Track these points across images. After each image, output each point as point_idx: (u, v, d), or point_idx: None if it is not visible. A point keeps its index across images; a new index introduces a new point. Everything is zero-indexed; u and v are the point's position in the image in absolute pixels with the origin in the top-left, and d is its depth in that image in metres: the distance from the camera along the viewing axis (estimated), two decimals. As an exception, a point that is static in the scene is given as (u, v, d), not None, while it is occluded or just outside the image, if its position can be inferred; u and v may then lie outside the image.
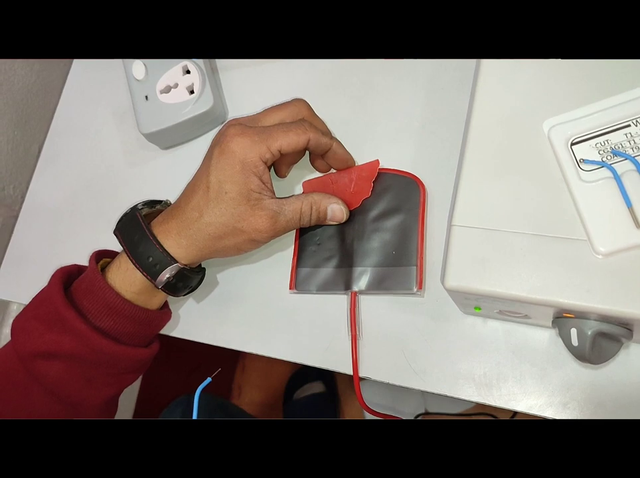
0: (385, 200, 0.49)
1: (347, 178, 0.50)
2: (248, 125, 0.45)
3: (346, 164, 0.49)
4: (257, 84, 0.56)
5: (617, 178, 0.35)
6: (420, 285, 0.45)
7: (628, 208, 0.34)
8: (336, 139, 0.47)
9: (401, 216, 0.48)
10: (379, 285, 0.47)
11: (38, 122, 0.66)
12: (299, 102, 0.47)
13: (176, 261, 0.44)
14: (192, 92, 0.54)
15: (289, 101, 0.47)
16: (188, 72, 0.54)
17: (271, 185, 0.45)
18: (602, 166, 0.35)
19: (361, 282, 0.47)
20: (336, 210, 0.47)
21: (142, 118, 0.54)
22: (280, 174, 0.50)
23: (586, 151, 0.36)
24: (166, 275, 0.44)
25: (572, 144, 0.36)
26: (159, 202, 0.50)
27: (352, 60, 0.54)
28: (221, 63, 0.58)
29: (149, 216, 0.48)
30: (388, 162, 0.49)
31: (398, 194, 0.48)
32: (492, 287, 0.36)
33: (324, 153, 0.47)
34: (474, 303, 0.40)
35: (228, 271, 0.52)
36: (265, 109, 0.47)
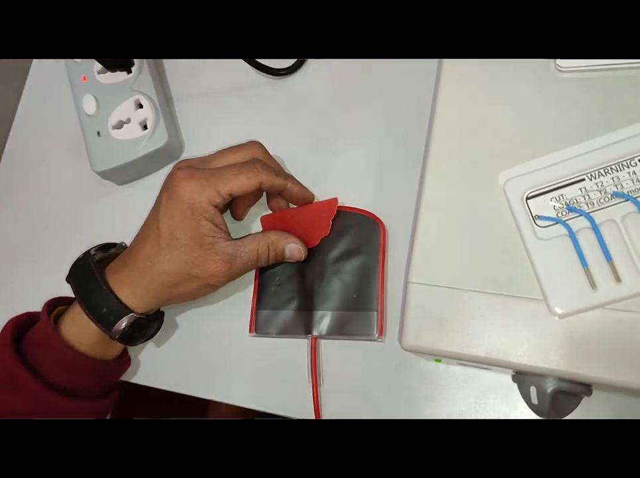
0: (345, 240, 0.48)
1: (306, 215, 0.48)
2: (198, 167, 0.44)
3: (304, 201, 0.48)
4: (215, 116, 0.55)
5: (573, 236, 0.34)
6: (381, 332, 0.45)
7: (584, 268, 0.34)
8: (292, 178, 0.46)
9: (362, 257, 0.47)
10: (340, 330, 0.46)
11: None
12: (253, 144, 0.46)
13: (132, 311, 0.43)
14: (145, 127, 0.52)
15: (243, 144, 0.46)
16: (141, 106, 0.52)
17: (226, 227, 0.44)
18: (557, 223, 0.34)
19: (322, 326, 0.46)
20: (294, 250, 0.46)
21: (94, 155, 0.52)
22: (236, 216, 0.49)
23: (542, 206, 0.35)
24: (122, 325, 0.43)
25: (527, 198, 0.35)
26: (113, 245, 0.48)
27: (311, 94, 0.52)
28: (176, 92, 0.56)
29: (103, 261, 0.46)
30: (348, 200, 0.48)
31: (358, 234, 0.47)
32: (450, 347, 0.35)
33: (279, 192, 0.46)
34: (433, 357, 0.39)
35: (188, 313, 0.50)
36: (218, 151, 0.45)
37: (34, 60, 0.62)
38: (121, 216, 0.55)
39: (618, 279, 0.33)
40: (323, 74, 0.53)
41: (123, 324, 0.43)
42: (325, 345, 0.47)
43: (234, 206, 0.48)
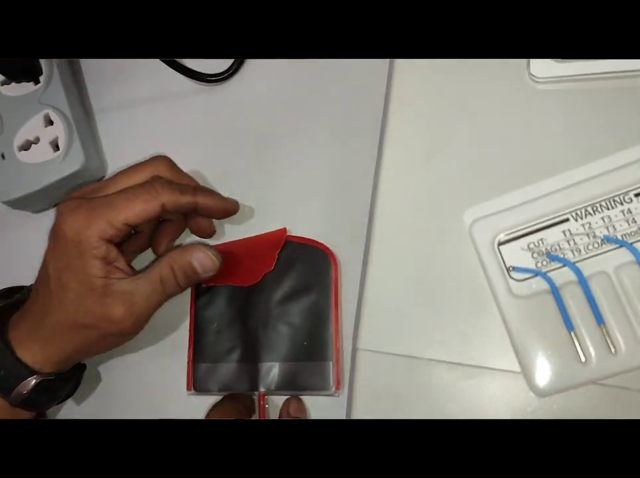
0: (292, 276, 0.41)
1: (249, 247, 0.41)
2: (91, 196, 0.37)
3: (226, 213, 0.40)
4: (142, 130, 0.47)
5: (555, 292, 0.27)
6: (338, 385, 0.38)
7: (570, 332, 0.27)
8: (204, 191, 0.39)
9: (312, 296, 0.40)
10: (290, 385, 0.39)
11: None
12: (156, 160, 0.39)
13: (35, 372, 0.36)
14: (58, 147, 0.44)
15: (145, 160, 0.39)
16: (51, 122, 0.45)
17: (125, 262, 0.37)
18: (536, 276, 0.28)
19: (269, 380, 0.40)
20: (203, 259, 0.38)
21: (-1, 182, 0.45)
22: (157, 250, 0.41)
23: (517, 253, 0.28)
24: (23, 390, 0.36)
25: (500, 244, 0.29)
26: (19, 289, 0.41)
27: (249, 103, 0.45)
28: (97, 104, 0.48)
29: (6, 309, 0.39)
30: (295, 227, 0.41)
31: (307, 268, 0.40)
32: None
33: (193, 211, 0.39)
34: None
35: (112, 363, 0.43)
36: (117, 173, 0.38)
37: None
38: (38, 246, 0.47)
39: (612, 348, 0.26)
40: (263, 79, 0.45)
41: (25, 389, 0.36)
42: (276, 400, 0.40)
43: (155, 239, 0.41)
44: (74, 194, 0.37)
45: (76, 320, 0.36)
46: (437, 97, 0.31)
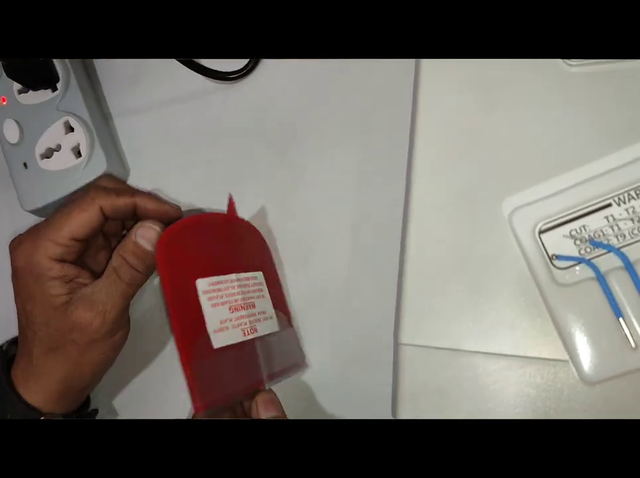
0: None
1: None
2: (34, 226, 0.38)
3: (167, 216, 0.39)
4: (161, 132, 0.47)
5: (601, 279, 0.27)
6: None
7: (618, 319, 0.27)
8: (143, 193, 0.39)
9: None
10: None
11: None
12: (98, 179, 0.41)
13: (42, 414, 0.36)
14: (79, 154, 0.44)
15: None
16: (72, 128, 0.44)
17: (90, 276, 0.37)
18: (580, 263, 0.27)
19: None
20: (144, 232, 0.37)
21: (23, 191, 0.45)
22: None
23: (559, 241, 0.28)
24: None
25: (540, 232, 0.28)
26: None
27: (269, 100, 0.44)
28: (115, 108, 0.48)
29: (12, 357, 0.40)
30: (322, 228, 0.41)
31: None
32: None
33: (133, 215, 0.39)
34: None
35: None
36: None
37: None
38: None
39: (663, 333, 0.26)
40: (281, 76, 0.45)
41: None
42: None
43: None
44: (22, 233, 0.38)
45: (50, 346, 0.36)
46: (468, 85, 0.30)
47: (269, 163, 0.44)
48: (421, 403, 0.29)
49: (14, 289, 0.37)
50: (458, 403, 0.28)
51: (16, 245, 0.37)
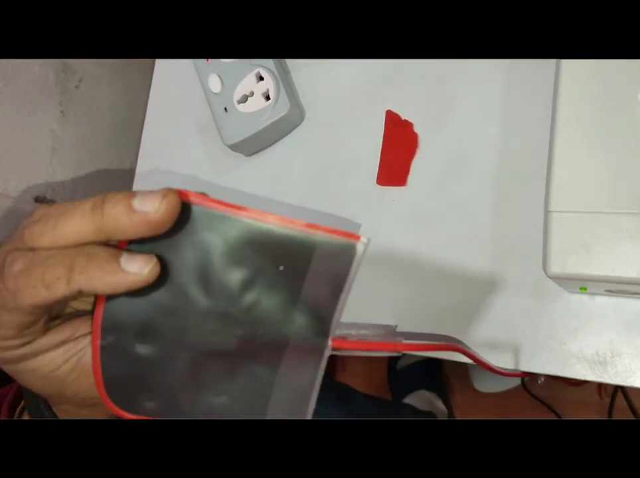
0: None
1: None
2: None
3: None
4: (330, 81, 0.57)
5: None
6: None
7: None
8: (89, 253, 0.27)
9: None
10: None
11: (128, 140, 0.70)
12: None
13: None
14: (268, 98, 0.55)
15: None
16: (262, 78, 0.55)
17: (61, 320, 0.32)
18: None
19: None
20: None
21: (224, 130, 0.56)
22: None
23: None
24: None
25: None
26: None
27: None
28: (291, 63, 0.59)
29: None
30: (458, 244, 0.48)
31: None
32: (598, 271, 0.35)
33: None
34: (579, 285, 0.39)
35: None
36: None
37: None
38: (251, 185, 0.59)
39: None
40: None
41: None
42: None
43: None
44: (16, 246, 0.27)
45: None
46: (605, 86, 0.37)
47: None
48: (570, 259, 0.36)
49: None
50: (601, 255, 0.35)
51: None
